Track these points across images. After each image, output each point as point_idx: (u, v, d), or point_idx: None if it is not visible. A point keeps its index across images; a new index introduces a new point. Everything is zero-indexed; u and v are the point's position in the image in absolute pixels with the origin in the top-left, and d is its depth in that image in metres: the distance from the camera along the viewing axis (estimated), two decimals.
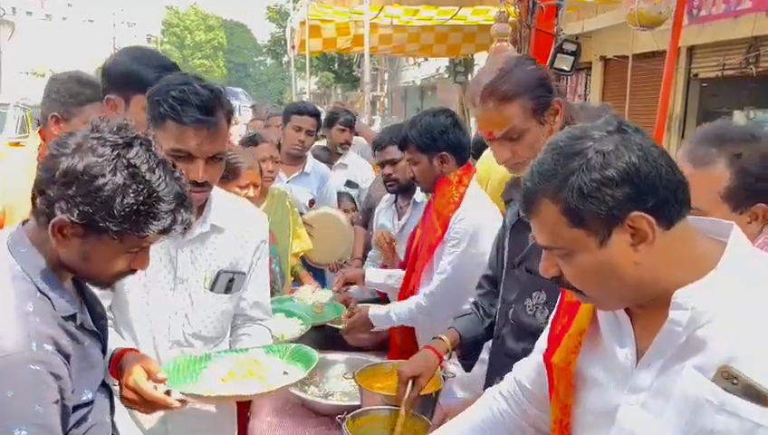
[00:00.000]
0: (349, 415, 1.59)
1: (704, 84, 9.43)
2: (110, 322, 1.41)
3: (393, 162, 2.66)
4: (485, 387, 1.76)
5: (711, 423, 0.81)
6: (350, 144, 3.93)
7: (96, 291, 1.27)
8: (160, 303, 1.54)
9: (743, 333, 0.81)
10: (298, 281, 2.77)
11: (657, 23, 2.69)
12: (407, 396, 1.60)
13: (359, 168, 3.89)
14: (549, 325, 1.15)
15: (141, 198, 1.06)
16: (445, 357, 1.71)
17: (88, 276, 1.18)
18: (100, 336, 1.24)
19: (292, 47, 11.40)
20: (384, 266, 2.72)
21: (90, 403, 1.17)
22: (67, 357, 1.10)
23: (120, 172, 1.05)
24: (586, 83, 12.57)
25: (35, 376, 1.03)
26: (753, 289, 0.85)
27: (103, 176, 1.04)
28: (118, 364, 1.33)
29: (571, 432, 1.04)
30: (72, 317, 1.15)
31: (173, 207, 1.10)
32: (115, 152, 1.06)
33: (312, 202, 3.31)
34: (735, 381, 0.79)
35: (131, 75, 1.67)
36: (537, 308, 1.56)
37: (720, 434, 0.81)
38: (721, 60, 8.49)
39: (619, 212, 0.86)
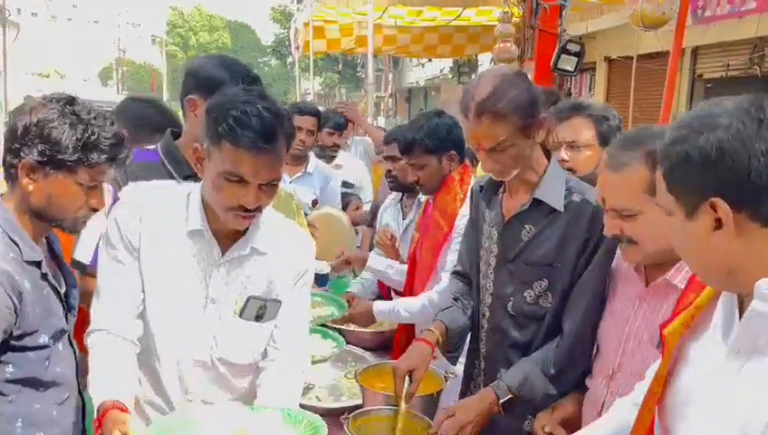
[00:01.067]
0: (351, 415, 1.60)
1: (708, 85, 9.41)
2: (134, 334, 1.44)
3: (394, 159, 2.67)
4: (486, 381, 1.78)
5: None
6: (339, 147, 3.93)
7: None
8: (189, 320, 1.46)
9: None
10: None
11: (660, 23, 2.69)
12: (405, 391, 1.62)
13: (353, 168, 3.90)
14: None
15: (86, 133, 1.36)
16: (436, 348, 1.74)
17: (54, 218, 1.42)
18: (60, 292, 1.46)
19: (296, 48, 11.42)
20: None
21: (46, 347, 1.39)
22: (19, 293, 1.34)
23: (66, 117, 1.36)
24: (590, 84, 12.55)
25: None
26: None
27: (53, 121, 1.35)
28: (102, 421, 1.28)
29: (662, 404, 1.04)
30: (37, 264, 1.40)
31: (114, 140, 1.38)
32: (60, 105, 1.38)
33: (315, 202, 3.31)
34: None
35: (215, 80, 1.69)
36: (540, 296, 1.64)
37: None
38: (725, 60, 8.47)
39: (702, 193, 0.87)
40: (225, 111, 1.32)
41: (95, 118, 1.41)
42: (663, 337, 1.05)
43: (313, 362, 1.95)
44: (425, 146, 2.14)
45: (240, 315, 1.47)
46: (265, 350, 1.53)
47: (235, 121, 1.30)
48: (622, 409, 1.24)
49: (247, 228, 1.46)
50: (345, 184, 3.80)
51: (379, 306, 2.25)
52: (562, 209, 1.58)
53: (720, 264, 0.89)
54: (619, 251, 1.47)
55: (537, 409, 1.58)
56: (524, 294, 1.65)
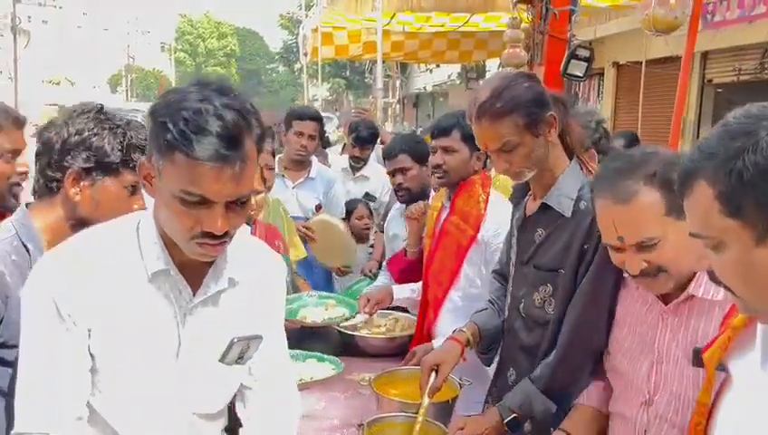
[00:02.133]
0: (365, 422, 1.59)
1: (718, 90, 9.36)
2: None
3: (404, 171, 2.61)
4: (495, 380, 1.79)
5: None
6: (361, 160, 3.86)
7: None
8: (158, 382, 1.18)
9: None
10: (295, 289, 2.72)
11: (672, 28, 2.67)
12: (430, 385, 1.63)
13: (380, 181, 3.84)
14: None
15: (126, 136, 1.38)
16: (467, 348, 1.74)
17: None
18: None
19: (305, 54, 11.47)
20: (403, 252, 2.66)
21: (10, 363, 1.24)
22: (6, 298, 1.27)
23: (103, 124, 1.36)
24: (599, 89, 12.52)
25: None
26: None
27: (92, 129, 1.36)
28: None
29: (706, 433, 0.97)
30: None
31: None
32: (93, 114, 1.40)
33: (318, 207, 3.28)
34: None
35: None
36: (545, 301, 1.63)
37: None
38: (735, 65, 8.43)
39: None
40: (173, 113, 1.02)
41: (127, 123, 1.46)
42: (705, 362, 0.99)
43: (312, 384, 1.96)
44: (463, 134, 2.09)
45: (222, 360, 1.21)
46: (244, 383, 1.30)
47: (189, 125, 1.00)
48: None
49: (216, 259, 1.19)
50: (368, 196, 3.77)
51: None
52: (569, 215, 1.57)
53: None
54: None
55: (544, 426, 1.56)
56: (533, 297, 1.65)
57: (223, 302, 1.20)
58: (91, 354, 1.13)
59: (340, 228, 3.13)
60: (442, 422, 1.64)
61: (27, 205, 1.47)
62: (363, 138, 3.82)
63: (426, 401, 1.61)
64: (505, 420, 1.57)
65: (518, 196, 1.79)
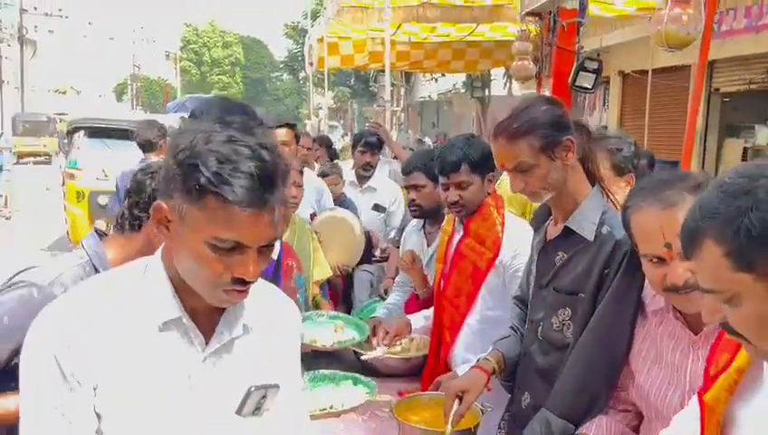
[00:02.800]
0: None
1: (725, 99, 9.35)
2: None
3: (417, 188, 2.62)
4: (509, 404, 1.78)
5: None
6: (371, 165, 3.91)
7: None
8: (171, 433, 1.09)
9: None
10: (318, 309, 2.69)
11: (685, 43, 2.67)
12: (453, 411, 1.63)
13: (388, 191, 3.87)
14: (704, 363, 1.12)
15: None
16: (492, 377, 1.75)
17: None
18: None
19: (310, 64, 11.50)
20: (415, 296, 2.68)
21: None
22: None
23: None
24: (604, 98, 12.52)
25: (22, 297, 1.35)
26: None
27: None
28: None
29: None
30: None
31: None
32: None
33: (313, 216, 3.30)
34: None
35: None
36: (564, 324, 1.62)
37: None
38: (742, 74, 8.42)
39: None
40: (203, 154, 0.95)
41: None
42: (703, 404, 0.99)
43: (343, 413, 1.94)
44: (472, 165, 2.10)
45: (239, 412, 1.12)
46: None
47: (223, 167, 0.94)
48: None
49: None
50: (377, 207, 3.78)
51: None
52: (591, 239, 1.57)
53: None
54: (648, 290, 1.37)
55: None
56: (552, 320, 1.65)
57: (237, 349, 1.12)
58: (97, 414, 1.04)
59: (349, 223, 3.09)
60: None
61: (97, 231, 1.53)
62: (371, 142, 3.85)
63: (449, 428, 1.60)
64: None
65: (539, 221, 1.78)
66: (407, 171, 2.64)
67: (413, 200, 2.65)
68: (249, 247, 0.99)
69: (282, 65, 46.60)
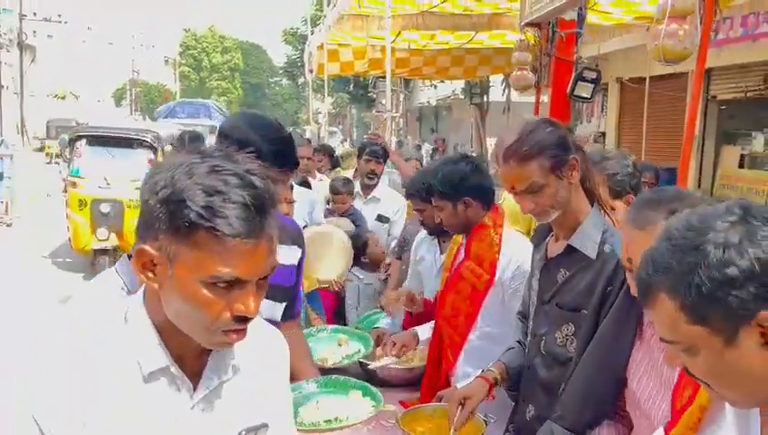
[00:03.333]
0: None
1: (722, 107, 9.42)
2: None
3: (419, 211, 2.76)
4: (512, 416, 1.82)
5: None
6: (375, 173, 3.94)
7: None
8: None
9: None
10: (307, 322, 2.72)
11: (682, 58, 2.72)
12: (457, 417, 1.69)
13: (392, 202, 3.90)
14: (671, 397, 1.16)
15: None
16: (495, 387, 1.82)
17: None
18: None
19: (310, 71, 11.57)
20: (408, 313, 2.70)
21: None
22: None
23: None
24: (602, 105, 12.59)
25: None
26: None
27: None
28: None
29: None
30: None
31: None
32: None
33: (303, 228, 3.33)
34: None
35: (247, 142, 1.60)
36: (567, 339, 1.67)
37: None
38: (739, 82, 8.49)
39: (746, 312, 0.79)
40: (188, 188, 0.89)
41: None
42: None
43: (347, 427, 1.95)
44: (439, 191, 2.21)
45: None
46: None
47: (214, 200, 0.89)
48: None
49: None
50: (380, 218, 3.81)
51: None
52: (594, 257, 1.62)
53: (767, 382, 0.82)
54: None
55: None
56: (555, 335, 1.70)
57: (225, 393, 1.06)
58: None
59: (336, 236, 3.10)
60: None
61: (129, 256, 1.40)
62: (376, 151, 3.88)
63: (452, 433, 1.66)
64: None
65: (539, 238, 1.83)
66: (407, 196, 2.73)
67: (421, 221, 2.73)
68: (248, 282, 0.93)
69: (281, 71, 46.66)
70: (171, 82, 47.08)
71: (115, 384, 0.98)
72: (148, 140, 7.73)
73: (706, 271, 0.80)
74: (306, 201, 3.42)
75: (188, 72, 49.04)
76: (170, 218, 0.90)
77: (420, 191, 2.42)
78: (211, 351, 1.04)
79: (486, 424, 1.77)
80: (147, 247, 0.93)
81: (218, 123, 14.06)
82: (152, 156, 7.57)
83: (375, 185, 3.91)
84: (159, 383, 1.00)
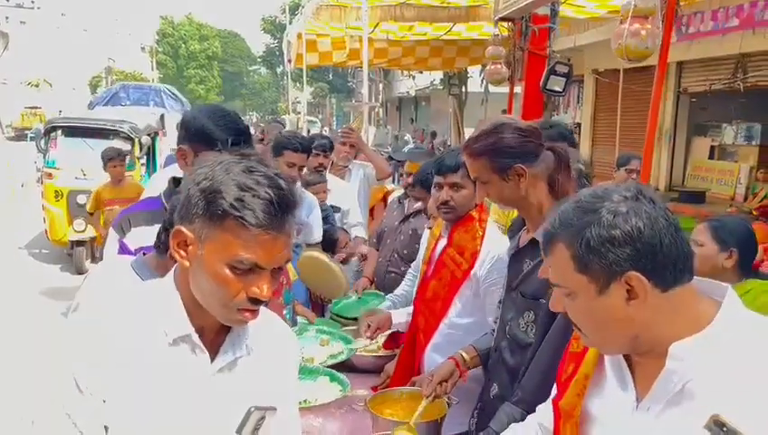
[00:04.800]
0: None
1: (693, 99, 9.62)
2: None
3: (423, 200, 2.82)
4: (482, 395, 1.94)
5: None
6: (324, 168, 3.94)
7: None
8: None
9: (730, 385, 0.91)
10: (293, 316, 2.78)
11: (644, 57, 2.84)
12: (426, 385, 1.88)
13: (340, 192, 3.94)
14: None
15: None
16: (462, 367, 1.95)
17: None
18: None
19: (289, 61, 11.55)
20: None
21: None
22: None
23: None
24: (578, 96, 12.76)
25: None
26: (741, 346, 0.94)
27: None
28: None
29: None
30: None
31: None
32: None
33: (298, 230, 3.25)
34: (725, 429, 0.88)
35: (204, 132, 1.78)
36: (528, 325, 1.78)
37: None
38: (709, 75, 8.68)
39: (619, 268, 0.95)
40: (225, 182, 1.05)
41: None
42: (558, 409, 1.16)
43: (314, 407, 2.08)
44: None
45: (239, 431, 1.17)
46: None
47: (246, 194, 1.04)
48: None
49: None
50: (332, 207, 3.85)
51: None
52: None
53: (628, 332, 0.99)
54: None
55: None
56: (519, 321, 1.80)
57: (239, 370, 1.19)
58: (104, 426, 1.11)
59: (331, 267, 3.09)
60: None
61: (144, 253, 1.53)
62: (324, 145, 3.90)
63: (424, 403, 1.85)
64: None
65: (515, 229, 1.93)
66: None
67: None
68: (264, 269, 1.07)
69: (259, 59, 46.30)
70: (148, 70, 46.37)
71: (144, 345, 1.12)
72: (125, 131, 7.64)
73: (596, 229, 0.96)
74: (305, 203, 3.28)
75: (166, 60, 48.39)
76: (207, 206, 1.05)
77: (455, 163, 2.21)
78: (229, 330, 1.18)
79: (449, 406, 1.87)
80: (183, 229, 1.09)
81: (173, 111, 12.29)
82: (129, 147, 7.47)
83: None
84: (182, 350, 1.14)
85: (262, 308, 1.16)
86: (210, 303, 1.10)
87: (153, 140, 8.65)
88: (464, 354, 1.98)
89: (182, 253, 1.10)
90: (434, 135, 18.82)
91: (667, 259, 0.95)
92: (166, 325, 1.13)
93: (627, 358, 1.07)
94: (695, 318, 0.98)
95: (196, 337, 1.14)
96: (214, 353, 1.17)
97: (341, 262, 3.45)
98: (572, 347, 1.22)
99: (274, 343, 1.27)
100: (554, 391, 1.24)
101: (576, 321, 1.04)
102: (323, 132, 22.45)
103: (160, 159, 8.59)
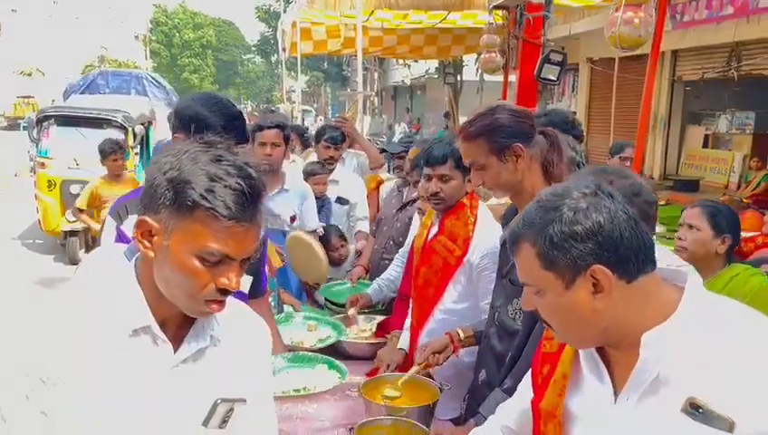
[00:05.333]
0: (356, 425, 1.73)
1: (687, 87, 9.64)
2: None
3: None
4: (473, 381, 1.96)
5: None
6: (335, 160, 3.91)
7: None
8: None
9: (701, 367, 0.94)
10: (279, 303, 2.79)
11: (637, 45, 2.85)
12: (419, 354, 1.98)
13: (350, 184, 3.93)
14: (530, 374, 1.30)
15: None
16: (457, 343, 2.01)
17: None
18: None
19: (283, 49, 11.48)
20: (402, 296, 2.72)
21: None
22: None
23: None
24: (573, 84, 12.77)
25: None
26: (706, 327, 0.97)
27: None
28: None
29: None
30: None
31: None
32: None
33: (293, 218, 3.23)
34: (701, 411, 0.92)
35: (197, 118, 1.78)
36: (516, 313, 1.79)
37: None
38: (704, 64, 8.69)
39: (583, 262, 0.98)
40: (194, 172, 1.02)
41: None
42: (538, 411, 1.18)
43: (313, 395, 2.09)
44: (456, 161, 2.18)
45: (205, 424, 1.14)
46: None
47: (215, 185, 1.00)
48: None
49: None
50: (340, 200, 3.85)
51: None
52: None
53: (597, 325, 1.01)
54: None
55: None
56: (507, 308, 1.82)
57: (204, 361, 1.15)
58: (42, 413, 1.06)
59: (314, 248, 3.10)
60: (423, 425, 1.78)
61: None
62: (335, 137, 3.87)
63: (414, 368, 1.97)
64: None
65: (507, 217, 1.93)
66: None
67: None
68: (234, 260, 1.05)
69: (254, 48, 45.99)
70: (142, 59, 46.06)
71: (102, 337, 1.07)
72: (119, 121, 7.50)
73: (559, 226, 1.00)
74: (298, 193, 3.26)
75: (159, 48, 48.06)
76: (175, 197, 1.02)
77: (440, 155, 2.22)
78: (193, 322, 1.14)
79: (441, 391, 1.88)
80: (148, 219, 1.05)
81: (157, 100, 12.08)
82: (122, 136, 7.23)
83: (333, 169, 3.90)
84: (142, 341, 1.09)
85: (231, 299, 1.14)
86: (176, 294, 1.07)
87: (147, 129, 8.57)
88: (460, 331, 2.02)
89: (146, 243, 1.06)
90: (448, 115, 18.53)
91: (628, 251, 0.98)
92: (125, 316, 1.09)
93: (601, 353, 1.09)
94: (661, 306, 1.00)
95: (156, 328, 1.10)
96: (177, 345, 1.13)
97: (332, 264, 3.41)
98: (545, 348, 1.24)
99: (243, 333, 1.23)
100: (530, 393, 1.25)
101: (546, 318, 1.07)
102: (318, 121, 22.39)
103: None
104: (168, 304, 1.09)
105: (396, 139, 5.26)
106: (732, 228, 2.29)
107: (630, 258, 0.99)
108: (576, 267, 0.99)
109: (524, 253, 1.04)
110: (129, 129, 7.58)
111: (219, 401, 1.14)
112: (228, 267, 1.06)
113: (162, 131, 9.17)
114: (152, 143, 8.74)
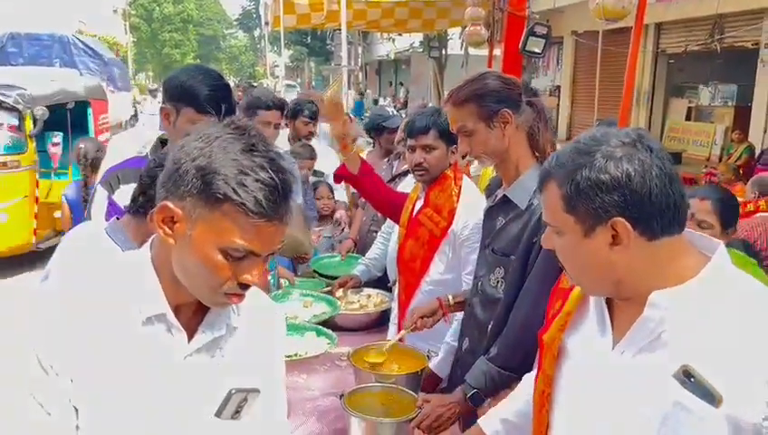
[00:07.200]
0: (345, 393, 1.77)
1: (671, 60, 9.68)
2: None
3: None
4: (459, 344, 2.00)
5: (664, 412, 0.95)
6: (313, 135, 3.94)
7: None
8: (148, 432, 1.08)
9: (704, 338, 0.93)
10: (276, 281, 2.79)
11: (621, 16, 2.87)
12: (408, 317, 2.03)
13: (326, 158, 3.93)
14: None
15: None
16: (446, 308, 2.04)
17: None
18: None
19: (266, 23, 11.35)
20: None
21: None
22: None
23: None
24: (558, 58, 12.76)
25: None
26: (721, 301, 0.95)
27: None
28: None
29: (552, 401, 1.18)
30: None
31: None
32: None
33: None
34: (692, 379, 0.91)
35: (183, 88, 1.78)
36: (498, 282, 1.82)
37: (671, 423, 0.95)
38: (687, 36, 8.72)
39: (605, 213, 0.96)
40: (225, 164, 0.96)
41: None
42: (543, 342, 1.21)
43: (299, 363, 2.15)
44: (439, 131, 2.21)
45: (218, 414, 1.11)
46: None
47: (246, 179, 0.96)
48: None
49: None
50: (315, 173, 3.86)
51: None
52: (523, 208, 1.73)
53: (610, 276, 1.01)
54: None
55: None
56: (490, 277, 1.84)
57: (219, 351, 1.12)
58: (75, 408, 1.04)
59: (299, 240, 3.12)
60: (412, 391, 1.82)
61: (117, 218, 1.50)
62: (314, 113, 3.87)
63: (402, 332, 2.01)
64: (468, 395, 1.73)
65: (492, 189, 1.94)
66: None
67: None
68: (259, 256, 1.01)
69: (236, 22, 45.22)
70: (121, 33, 45.07)
71: (115, 324, 1.04)
72: (10, 102, 5.91)
73: (587, 171, 0.97)
74: None
75: (139, 23, 47.03)
76: (203, 186, 0.96)
77: (422, 125, 2.23)
78: (208, 310, 1.10)
79: (429, 358, 1.93)
80: (170, 204, 0.99)
81: (88, 73, 9.94)
82: (15, 122, 5.88)
83: (315, 155, 3.89)
84: (156, 329, 1.06)
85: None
86: (195, 284, 1.03)
87: (85, 108, 7.25)
88: (450, 297, 2.04)
89: (167, 229, 1.01)
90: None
91: (654, 208, 0.96)
92: (139, 303, 1.05)
93: (609, 302, 1.09)
94: (680, 270, 0.98)
95: (171, 316, 1.06)
96: (191, 333, 1.09)
97: (321, 217, 3.48)
98: (562, 283, 1.24)
99: (258, 320, 1.19)
100: (530, 389, 1.27)
101: (562, 259, 1.07)
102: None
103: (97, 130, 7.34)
104: (183, 291, 1.05)
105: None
106: (736, 219, 2.30)
107: (656, 216, 0.96)
108: (597, 217, 0.97)
109: (550, 192, 1.03)
110: (27, 112, 5.99)
111: (234, 392, 1.10)
112: (252, 263, 1.01)
113: (118, 112, 7.88)
114: (92, 128, 7.39)
